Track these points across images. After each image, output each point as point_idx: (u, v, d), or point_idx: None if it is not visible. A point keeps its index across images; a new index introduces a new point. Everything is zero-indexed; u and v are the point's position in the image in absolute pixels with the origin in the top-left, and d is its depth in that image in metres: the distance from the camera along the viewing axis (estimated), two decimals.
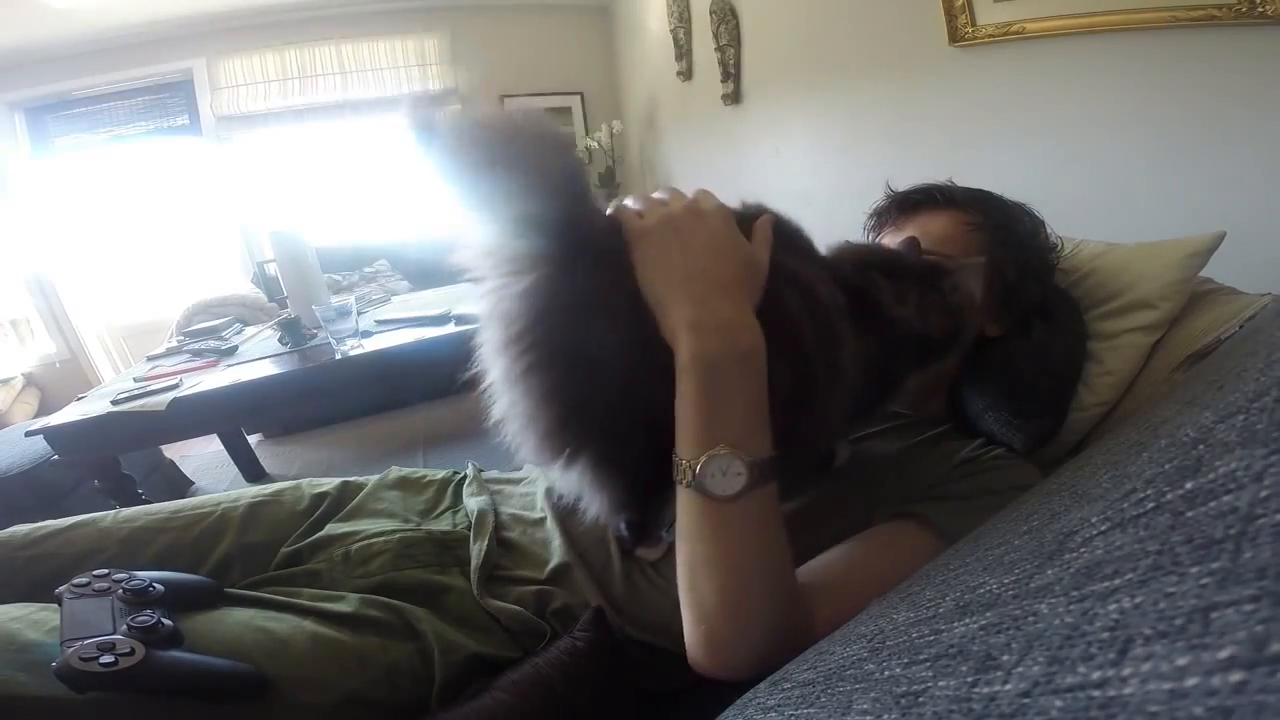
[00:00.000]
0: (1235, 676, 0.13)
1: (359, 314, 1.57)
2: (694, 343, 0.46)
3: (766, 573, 0.47)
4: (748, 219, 0.54)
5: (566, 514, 0.69)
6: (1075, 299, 0.81)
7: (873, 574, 0.55)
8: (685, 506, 0.48)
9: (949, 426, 0.75)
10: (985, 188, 0.81)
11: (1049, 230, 0.79)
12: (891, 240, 0.78)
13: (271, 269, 2.12)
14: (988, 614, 0.23)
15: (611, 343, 0.48)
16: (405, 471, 0.86)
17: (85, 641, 0.46)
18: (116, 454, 1.39)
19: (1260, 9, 1.04)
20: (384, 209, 3.95)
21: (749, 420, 0.47)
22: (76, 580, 0.53)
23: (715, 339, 0.46)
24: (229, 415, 1.59)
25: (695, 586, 0.48)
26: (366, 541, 0.68)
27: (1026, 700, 0.17)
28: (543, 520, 0.72)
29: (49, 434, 1.28)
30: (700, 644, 0.48)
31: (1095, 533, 0.22)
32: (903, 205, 0.79)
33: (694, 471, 0.46)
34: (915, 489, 0.65)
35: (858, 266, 0.56)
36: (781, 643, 0.47)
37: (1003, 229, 0.74)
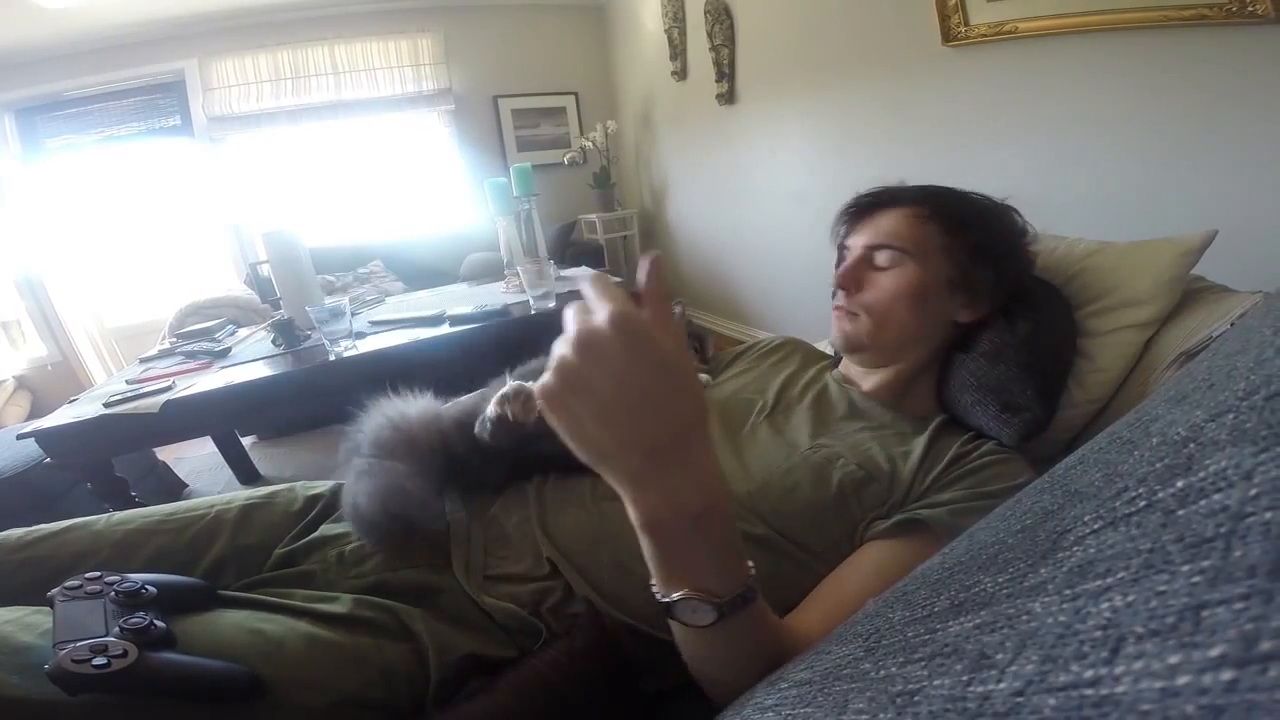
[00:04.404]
0: (1226, 675, 0.13)
1: (353, 315, 1.56)
2: (638, 513, 0.42)
3: (755, 665, 0.46)
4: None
5: (544, 511, 0.70)
6: (1065, 295, 0.82)
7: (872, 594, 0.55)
8: (671, 624, 0.48)
9: (939, 422, 0.75)
10: (977, 187, 0.82)
11: (1019, 217, 0.81)
12: (855, 242, 0.81)
13: (264, 270, 2.11)
14: (982, 613, 0.23)
15: None
16: None
17: (78, 643, 0.46)
18: (109, 456, 1.38)
19: (1251, 8, 1.05)
20: (378, 209, 3.94)
21: (708, 568, 0.44)
22: (69, 583, 0.52)
23: (661, 510, 0.42)
24: (222, 417, 1.58)
25: (696, 670, 0.51)
26: (360, 542, 0.68)
27: (1020, 699, 0.17)
28: (528, 517, 0.72)
29: (41, 437, 1.26)
30: (709, 693, 0.52)
31: (1088, 531, 0.22)
32: (858, 210, 0.83)
33: (668, 608, 0.45)
34: (912, 492, 0.66)
35: None
36: None
37: (952, 217, 0.77)
